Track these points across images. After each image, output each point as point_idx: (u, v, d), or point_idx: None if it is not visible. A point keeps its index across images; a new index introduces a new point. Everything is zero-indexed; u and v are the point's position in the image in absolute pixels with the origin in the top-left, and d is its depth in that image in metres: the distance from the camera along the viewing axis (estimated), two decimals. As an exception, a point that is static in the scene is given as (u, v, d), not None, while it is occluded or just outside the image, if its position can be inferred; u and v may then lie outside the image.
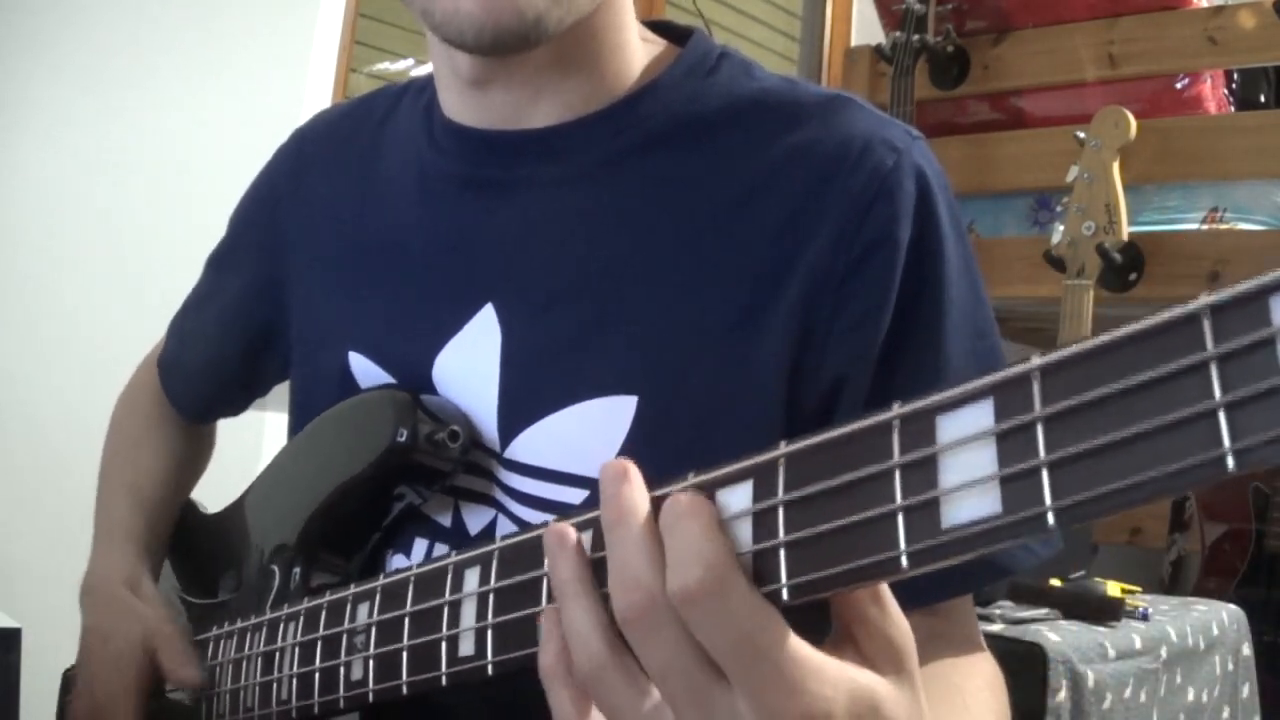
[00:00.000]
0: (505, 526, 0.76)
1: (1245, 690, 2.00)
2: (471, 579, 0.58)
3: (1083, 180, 2.47)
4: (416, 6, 0.71)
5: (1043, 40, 2.90)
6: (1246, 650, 2.01)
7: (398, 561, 0.81)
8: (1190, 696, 1.80)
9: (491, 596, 0.57)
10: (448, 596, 0.59)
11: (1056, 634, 1.58)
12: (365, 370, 0.83)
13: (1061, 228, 2.48)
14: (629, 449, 0.72)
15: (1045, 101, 2.95)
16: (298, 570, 0.81)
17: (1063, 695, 1.50)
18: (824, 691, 0.43)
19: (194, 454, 1.07)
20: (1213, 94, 2.77)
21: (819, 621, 0.46)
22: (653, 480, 0.48)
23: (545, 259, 0.77)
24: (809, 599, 0.44)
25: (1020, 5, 2.93)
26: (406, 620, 0.63)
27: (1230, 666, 1.94)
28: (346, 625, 0.68)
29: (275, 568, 0.82)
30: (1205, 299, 0.32)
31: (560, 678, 0.49)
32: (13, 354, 1.87)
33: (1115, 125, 2.48)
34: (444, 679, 0.60)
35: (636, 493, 0.47)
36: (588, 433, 0.73)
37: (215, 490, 1.02)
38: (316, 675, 0.70)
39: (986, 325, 0.76)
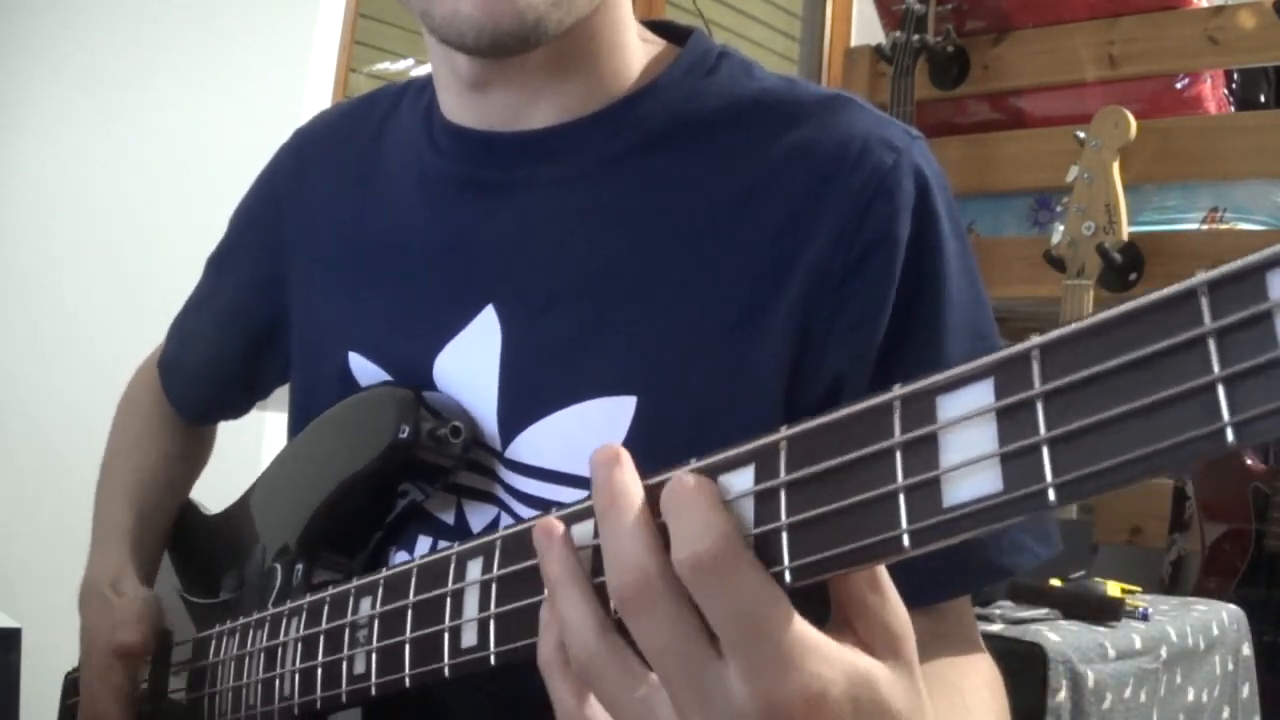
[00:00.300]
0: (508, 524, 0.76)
1: (1245, 690, 2.00)
2: (474, 569, 0.58)
3: (1083, 180, 2.47)
4: (416, 8, 0.71)
5: (1043, 40, 2.90)
6: (1246, 650, 2.01)
7: (400, 559, 0.81)
8: (1190, 696, 1.80)
9: (494, 586, 0.57)
10: (450, 587, 0.60)
11: (1056, 634, 1.58)
12: (365, 371, 0.83)
13: (1061, 228, 2.49)
14: (628, 449, 0.72)
15: (1045, 101, 2.96)
16: (300, 568, 0.81)
17: (1063, 695, 1.50)
18: (822, 671, 0.43)
19: (193, 453, 1.07)
20: (1213, 94, 2.78)
21: (819, 609, 0.46)
22: (651, 472, 0.48)
23: (545, 260, 0.77)
24: (812, 580, 0.44)
25: (1020, 5, 2.93)
26: (409, 611, 0.63)
27: (1230, 666, 1.94)
28: (349, 618, 0.68)
29: (278, 566, 0.82)
30: (1202, 275, 0.32)
31: (559, 668, 0.49)
32: (13, 354, 1.88)
33: (1115, 125, 2.49)
34: (447, 670, 0.60)
35: (628, 476, 0.47)
36: (587, 433, 0.73)
37: (215, 490, 1.02)
38: (319, 670, 0.70)
39: (986, 325, 0.76)
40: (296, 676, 0.73)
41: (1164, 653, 1.70)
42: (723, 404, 0.71)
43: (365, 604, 0.67)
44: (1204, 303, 0.33)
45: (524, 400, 0.75)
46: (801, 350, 0.71)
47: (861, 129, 0.73)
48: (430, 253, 0.81)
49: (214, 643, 0.84)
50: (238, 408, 1.06)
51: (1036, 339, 0.37)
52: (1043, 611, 1.71)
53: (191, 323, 1.04)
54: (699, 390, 0.72)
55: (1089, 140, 2.49)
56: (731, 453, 0.46)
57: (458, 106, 0.81)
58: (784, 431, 0.45)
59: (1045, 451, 0.36)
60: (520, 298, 0.77)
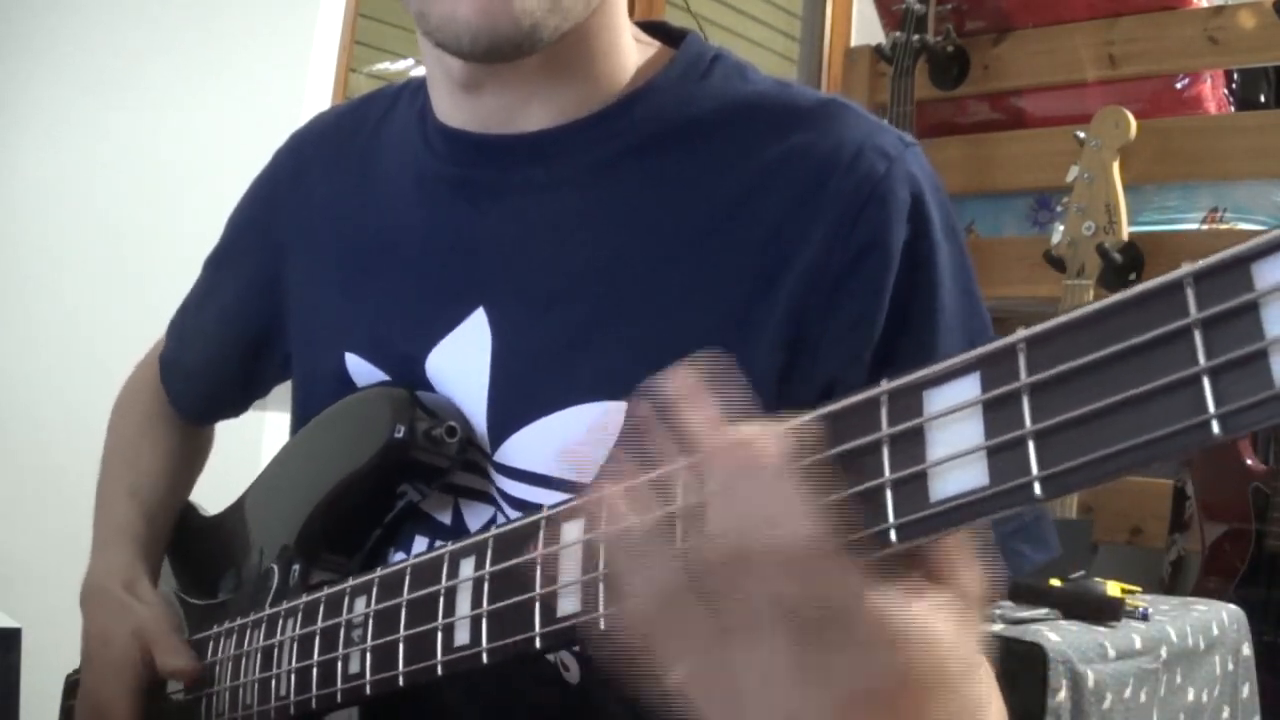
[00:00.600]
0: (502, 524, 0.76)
1: (1245, 690, 2.00)
2: (467, 567, 0.58)
3: (1083, 180, 2.47)
4: (413, 8, 0.71)
5: (1043, 40, 2.90)
6: (1246, 650, 2.01)
7: (398, 560, 0.81)
8: (1190, 696, 1.80)
9: (486, 584, 0.57)
10: (444, 584, 0.60)
11: (1056, 634, 1.57)
12: (361, 370, 0.83)
13: (1061, 228, 2.49)
14: (619, 455, 0.72)
15: (1045, 101, 2.95)
16: (297, 569, 0.81)
17: (1063, 695, 1.50)
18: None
19: (192, 452, 1.07)
20: (1213, 94, 2.78)
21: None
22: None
23: (537, 262, 0.77)
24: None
25: (1020, 5, 2.93)
26: (403, 610, 0.63)
27: (1230, 666, 1.94)
28: (344, 617, 0.68)
29: (275, 567, 0.82)
30: (1188, 267, 0.32)
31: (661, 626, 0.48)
32: (13, 354, 1.87)
33: (1115, 125, 2.49)
34: (439, 668, 0.60)
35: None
36: (578, 437, 0.73)
37: (215, 490, 1.02)
38: (314, 669, 0.70)
39: (982, 331, 0.75)
40: (292, 676, 0.73)
41: (1164, 653, 1.70)
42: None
43: (360, 603, 0.67)
44: (1190, 294, 0.32)
45: (514, 403, 0.75)
46: (795, 353, 0.71)
47: (855, 135, 0.73)
48: (425, 253, 0.81)
49: (211, 643, 0.84)
50: (236, 407, 1.06)
51: (1023, 331, 0.37)
52: (1043, 611, 1.71)
53: (190, 322, 1.04)
54: None
55: (1089, 140, 2.49)
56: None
57: (451, 108, 0.81)
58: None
59: (1031, 445, 0.36)
60: (512, 300, 0.77)
